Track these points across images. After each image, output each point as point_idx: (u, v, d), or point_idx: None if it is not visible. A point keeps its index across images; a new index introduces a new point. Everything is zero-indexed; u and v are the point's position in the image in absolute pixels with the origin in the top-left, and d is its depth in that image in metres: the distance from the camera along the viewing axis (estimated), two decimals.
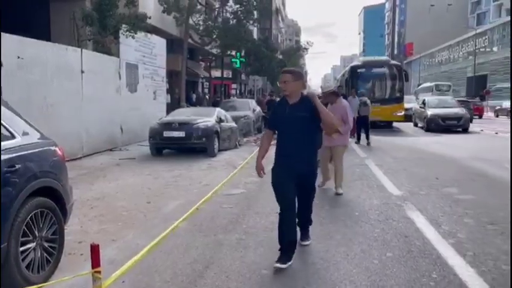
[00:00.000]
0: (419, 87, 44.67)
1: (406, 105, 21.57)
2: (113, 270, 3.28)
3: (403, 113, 19.27)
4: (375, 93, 19.32)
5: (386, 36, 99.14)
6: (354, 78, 19.35)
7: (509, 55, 42.23)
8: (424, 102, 19.73)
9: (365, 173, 8.28)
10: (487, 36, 47.61)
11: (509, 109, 23.32)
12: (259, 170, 3.98)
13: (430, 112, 18.33)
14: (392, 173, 8.18)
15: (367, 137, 13.41)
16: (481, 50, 47.54)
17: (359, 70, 19.67)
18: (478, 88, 43.20)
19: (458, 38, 54.69)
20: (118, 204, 6.07)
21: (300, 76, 3.83)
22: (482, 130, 18.80)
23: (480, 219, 5.06)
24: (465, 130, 17.93)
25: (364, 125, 13.55)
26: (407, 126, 20.42)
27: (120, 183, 7.53)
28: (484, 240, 4.32)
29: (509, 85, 40.66)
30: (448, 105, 19.00)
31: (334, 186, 6.67)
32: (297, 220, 3.95)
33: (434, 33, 66.86)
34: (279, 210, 3.87)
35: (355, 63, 21.73)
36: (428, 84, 42.72)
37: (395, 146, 13.23)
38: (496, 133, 17.49)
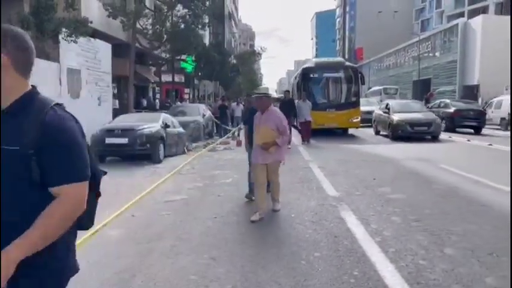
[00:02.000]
0: (369, 90, 46.25)
1: (366, 109, 20.66)
2: None
3: (359, 119, 17.69)
4: (329, 97, 17.74)
5: (338, 41, 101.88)
6: (306, 82, 17.51)
7: (450, 59, 44.66)
8: (387, 107, 17.33)
9: (307, 176, 8.46)
10: (430, 42, 50.03)
11: (507, 116, 19.98)
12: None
13: (396, 117, 15.92)
14: (332, 175, 8.41)
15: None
16: (424, 55, 49.88)
17: (311, 73, 17.81)
18: (423, 91, 45.28)
19: (404, 44, 57.08)
20: None
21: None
22: (450, 137, 16.52)
23: (407, 217, 5.31)
24: (435, 138, 15.74)
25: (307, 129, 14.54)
26: (366, 134, 18.53)
27: None
28: (407, 237, 4.55)
29: (451, 88, 43.00)
30: (414, 110, 16.90)
31: (272, 201, 5.83)
32: None
33: (382, 39, 69.42)
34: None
35: (307, 65, 19.67)
36: (377, 87, 44.30)
37: (341, 148, 13.59)
38: (468, 140, 15.34)
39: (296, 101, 15.76)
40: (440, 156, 11.11)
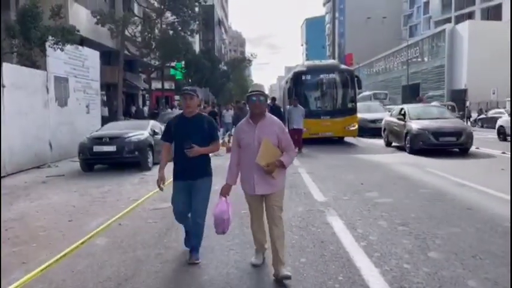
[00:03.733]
0: (359, 95, 46.56)
1: (373, 116, 19.22)
2: None
3: (356, 126, 16.17)
4: (323, 104, 16.30)
5: (328, 47, 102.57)
6: (297, 87, 16.01)
7: (438, 64, 45.21)
8: (403, 113, 14.06)
9: (296, 182, 8.47)
10: (418, 47, 50.62)
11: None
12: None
13: (415, 125, 12.69)
14: (321, 180, 8.44)
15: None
16: (413, 60, 50.44)
17: (304, 76, 16.21)
18: (412, 96, 45.72)
19: (393, 49, 57.73)
20: (36, 224, 5.80)
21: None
22: (478, 148, 13.48)
23: (393, 221, 5.34)
24: (465, 151, 12.40)
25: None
26: (375, 145, 15.98)
27: (43, 202, 7.20)
28: (393, 241, 4.57)
29: (439, 92, 43.47)
30: (438, 116, 13.71)
31: (274, 264, 3.67)
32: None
33: (371, 45, 70.15)
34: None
35: (299, 68, 17.89)
36: (367, 93, 44.63)
37: (330, 153, 13.61)
38: (504, 152, 12.45)
39: (287, 107, 14.95)
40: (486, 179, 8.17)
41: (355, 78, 16.32)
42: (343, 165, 10.61)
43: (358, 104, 17.41)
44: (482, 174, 8.90)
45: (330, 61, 20.42)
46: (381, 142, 16.08)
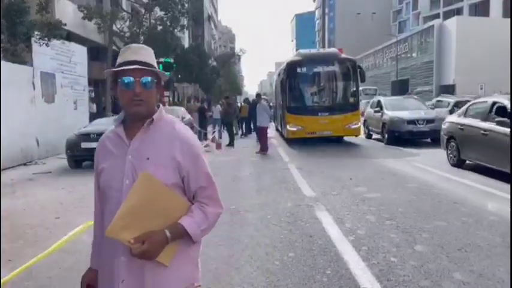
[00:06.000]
0: None
1: (413, 116, 13.53)
2: None
3: (359, 124, 14.26)
4: (321, 98, 14.50)
5: (318, 42, 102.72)
6: (292, 79, 14.22)
7: (427, 60, 45.53)
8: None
9: (285, 177, 8.50)
10: (407, 43, 50.89)
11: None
12: None
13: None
14: (310, 176, 8.46)
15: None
16: (402, 55, 50.71)
17: (299, 67, 14.35)
18: (401, 91, 45.99)
19: (382, 45, 57.94)
20: (23, 221, 5.73)
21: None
22: None
23: (381, 216, 5.38)
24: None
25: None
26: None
27: (30, 199, 7.12)
28: (380, 235, 4.61)
29: (428, 88, 43.83)
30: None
31: None
32: None
33: (361, 40, 70.35)
34: None
35: (293, 58, 15.76)
36: None
37: (319, 150, 13.62)
38: None
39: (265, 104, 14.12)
40: None
41: (358, 69, 14.26)
42: (332, 161, 10.66)
43: (384, 100, 15.41)
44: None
45: (329, 50, 16.90)
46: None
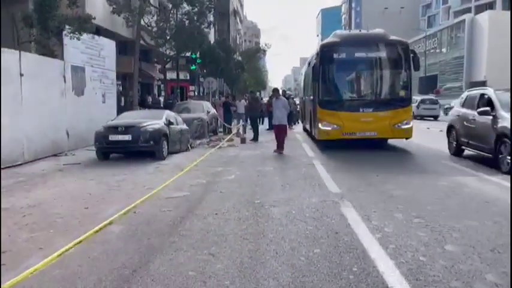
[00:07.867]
0: None
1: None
2: (35, 280, 3.21)
3: (411, 124, 11.41)
4: (364, 90, 11.88)
5: None
6: (326, 66, 11.54)
7: (457, 55, 44.36)
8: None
9: (310, 172, 8.43)
10: (436, 38, 49.71)
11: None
12: None
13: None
14: (335, 172, 8.37)
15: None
16: (431, 51, 49.58)
17: (335, 52, 11.50)
18: (429, 88, 44.98)
19: (410, 40, 56.70)
20: (53, 211, 5.88)
21: None
22: None
23: (409, 214, 5.27)
24: None
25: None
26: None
27: (60, 189, 7.30)
28: (408, 234, 4.51)
29: (457, 84, 42.71)
30: None
31: None
32: None
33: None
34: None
35: (328, 40, 12.68)
36: None
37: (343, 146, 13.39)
38: None
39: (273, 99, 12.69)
40: None
41: (411, 55, 11.47)
42: (358, 157, 10.51)
43: (496, 95, 8.84)
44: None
45: (375, 30, 12.93)
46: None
